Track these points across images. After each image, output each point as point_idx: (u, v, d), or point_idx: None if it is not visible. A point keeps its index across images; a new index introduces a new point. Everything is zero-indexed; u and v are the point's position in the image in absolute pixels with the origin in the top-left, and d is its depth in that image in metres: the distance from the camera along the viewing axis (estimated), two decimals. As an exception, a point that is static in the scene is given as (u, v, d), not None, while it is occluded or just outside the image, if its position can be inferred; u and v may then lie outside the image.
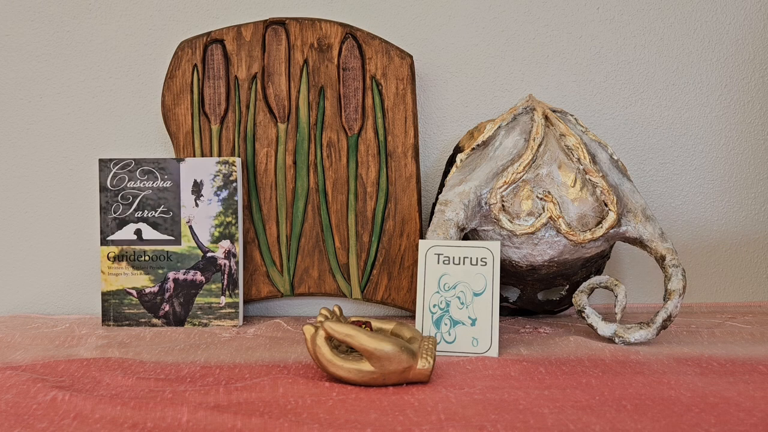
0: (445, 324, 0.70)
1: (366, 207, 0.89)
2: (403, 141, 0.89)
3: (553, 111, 0.80)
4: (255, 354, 0.71)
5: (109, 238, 0.86)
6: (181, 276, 0.85)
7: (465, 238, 0.81)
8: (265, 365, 0.65)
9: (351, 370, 0.57)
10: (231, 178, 0.85)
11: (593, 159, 0.76)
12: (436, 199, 0.90)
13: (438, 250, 0.71)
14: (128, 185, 0.85)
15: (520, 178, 0.75)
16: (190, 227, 0.85)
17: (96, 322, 0.88)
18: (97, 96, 0.95)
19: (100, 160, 0.86)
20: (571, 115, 0.80)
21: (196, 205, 0.85)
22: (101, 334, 0.80)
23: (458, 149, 0.87)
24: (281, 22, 0.89)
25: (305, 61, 0.89)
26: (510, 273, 0.81)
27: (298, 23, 0.89)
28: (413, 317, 0.90)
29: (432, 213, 0.82)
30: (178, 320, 0.85)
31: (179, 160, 0.86)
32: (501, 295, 0.89)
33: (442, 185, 0.88)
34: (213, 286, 0.85)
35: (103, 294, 0.86)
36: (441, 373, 0.62)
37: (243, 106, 0.89)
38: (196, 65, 0.89)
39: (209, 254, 0.85)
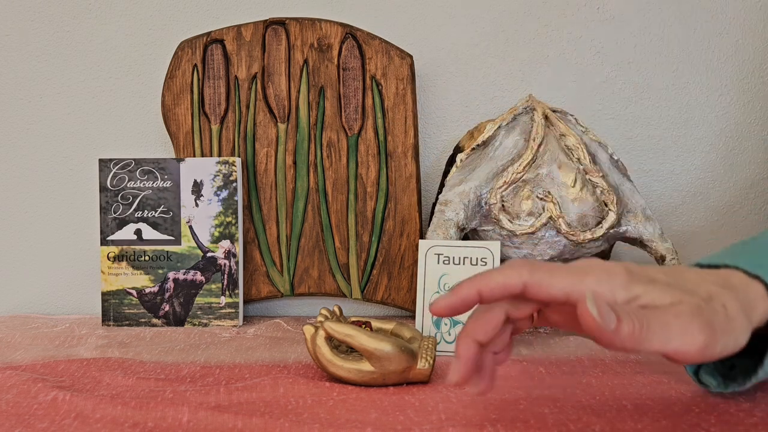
0: (445, 324, 0.70)
1: (366, 207, 0.89)
2: (403, 141, 0.89)
3: (553, 111, 0.80)
4: (255, 354, 0.71)
5: (109, 238, 0.86)
6: (181, 276, 0.85)
7: (465, 238, 0.81)
8: (265, 365, 0.65)
9: (351, 370, 0.57)
10: (231, 178, 0.85)
11: (593, 159, 0.76)
12: (436, 199, 0.90)
13: (438, 250, 0.71)
14: (128, 185, 0.85)
15: (520, 178, 0.75)
16: (190, 227, 0.85)
17: (96, 322, 0.88)
18: (97, 96, 0.95)
19: (100, 160, 0.86)
20: (571, 115, 0.80)
21: (196, 205, 0.85)
22: (101, 334, 0.80)
23: (458, 149, 0.87)
24: (281, 22, 0.89)
25: (305, 61, 0.89)
26: (510, 273, 0.81)
27: (298, 23, 0.89)
28: (413, 317, 0.90)
29: (432, 213, 0.82)
30: (178, 320, 0.85)
31: (179, 160, 0.86)
32: (501, 295, 0.89)
33: (442, 185, 0.88)
34: (213, 286, 0.85)
35: (103, 294, 0.86)
36: (441, 373, 0.62)
37: (243, 106, 0.89)
38: (196, 65, 0.89)
39: (209, 254, 0.85)
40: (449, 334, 0.70)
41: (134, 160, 0.85)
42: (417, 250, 0.85)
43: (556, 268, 0.44)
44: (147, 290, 0.85)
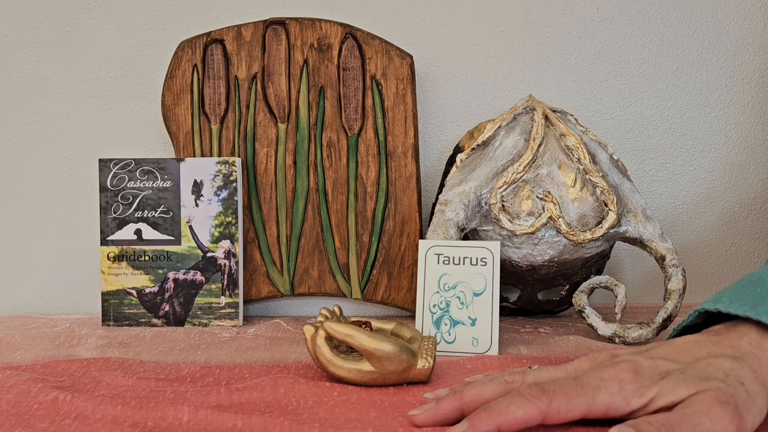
0: (445, 324, 0.70)
1: (366, 207, 0.89)
2: (403, 141, 0.89)
3: (553, 111, 0.80)
4: (255, 354, 0.71)
5: (109, 238, 0.86)
6: (181, 276, 0.85)
7: (465, 238, 0.81)
8: (265, 365, 0.65)
9: (351, 370, 0.57)
10: (231, 178, 0.85)
11: (593, 159, 0.76)
12: (436, 199, 0.90)
13: (438, 250, 0.71)
14: (128, 185, 0.85)
15: (520, 178, 0.75)
16: (190, 227, 0.85)
17: (96, 322, 0.88)
18: (97, 96, 0.95)
19: (100, 160, 0.86)
20: (571, 115, 0.80)
21: (196, 205, 0.85)
22: (101, 334, 0.80)
23: (458, 149, 0.87)
24: (281, 22, 0.89)
25: (305, 61, 0.89)
26: (510, 273, 0.81)
27: (298, 23, 0.89)
28: (413, 317, 0.90)
29: (432, 213, 0.82)
30: (178, 320, 0.85)
31: (179, 160, 0.86)
32: (501, 295, 0.89)
33: (442, 185, 0.88)
34: (213, 286, 0.85)
35: (103, 294, 0.86)
36: (441, 373, 0.62)
37: (243, 106, 0.89)
38: (196, 65, 0.89)
39: (209, 254, 0.85)
40: (449, 334, 0.70)
41: (134, 160, 0.85)
42: (417, 250, 0.85)
43: (570, 387, 0.44)
44: (147, 290, 0.85)
